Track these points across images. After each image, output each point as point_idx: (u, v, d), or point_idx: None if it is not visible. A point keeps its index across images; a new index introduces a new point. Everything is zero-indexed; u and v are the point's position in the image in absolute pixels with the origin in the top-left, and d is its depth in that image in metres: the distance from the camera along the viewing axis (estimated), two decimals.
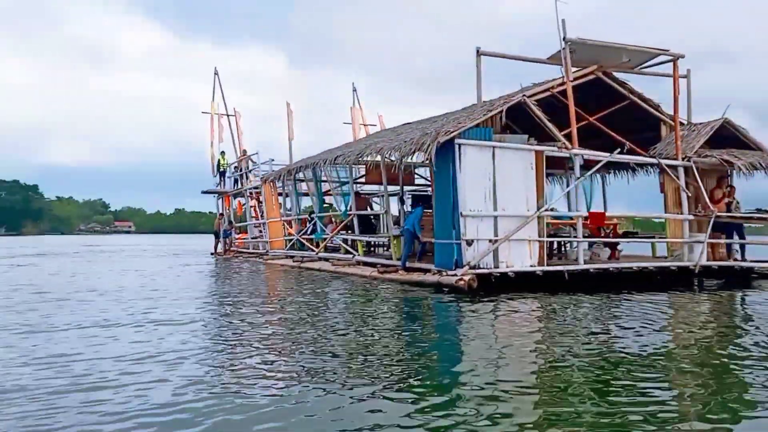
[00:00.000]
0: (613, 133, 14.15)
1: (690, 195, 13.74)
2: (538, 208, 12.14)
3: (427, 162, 12.34)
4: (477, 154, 11.76)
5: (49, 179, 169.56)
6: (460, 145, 11.60)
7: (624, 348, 6.34)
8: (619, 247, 15.64)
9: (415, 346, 6.34)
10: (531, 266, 12.10)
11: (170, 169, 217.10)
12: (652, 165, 14.59)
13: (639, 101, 14.41)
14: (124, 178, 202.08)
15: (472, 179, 11.70)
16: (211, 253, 28.11)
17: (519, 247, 12.05)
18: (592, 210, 14.82)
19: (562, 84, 13.32)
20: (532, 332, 7.50)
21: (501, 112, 11.92)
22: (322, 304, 10.15)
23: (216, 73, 33.00)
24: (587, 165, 14.06)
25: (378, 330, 7.38)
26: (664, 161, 13.61)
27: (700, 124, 14.64)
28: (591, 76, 13.79)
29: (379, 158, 14.34)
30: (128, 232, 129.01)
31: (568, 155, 12.74)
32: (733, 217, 13.82)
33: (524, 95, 12.21)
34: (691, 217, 13.69)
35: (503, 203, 11.94)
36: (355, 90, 32.24)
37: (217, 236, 28.12)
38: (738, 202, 14.56)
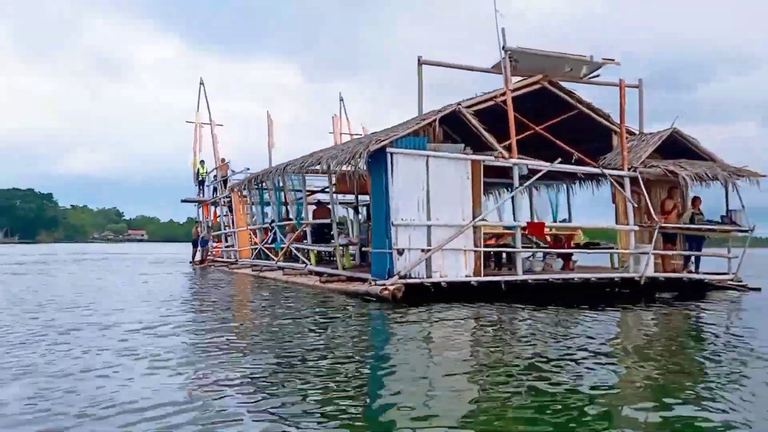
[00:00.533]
0: (561, 143, 14.04)
1: (636, 205, 13.56)
2: (474, 218, 12.03)
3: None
4: (410, 163, 11.69)
5: (64, 188, 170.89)
6: (392, 154, 11.54)
7: (528, 355, 6.35)
8: (574, 258, 15.47)
9: (318, 351, 6.41)
10: (466, 276, 11.98)
11: (184, 177, 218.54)
12: (600, 176, 14.41)
13: (588, 111, 14.29)
14: (138, 188, 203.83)
15: (404, 188, 11.62)
16: (190, 262, 28.16)
17: (453, 257, 11.94)
18: (541, 220, 14.69)
19: (504, 93, 13.26)
20: (451, 341, 7.50)
21: (434, 120, 11.84)
22: (244, 312, 10.12)
23: (201, 83, 33.20)
24: (551, 175, 13.98)
25: (286, 338, 7.33)
26: (610, 171, 13.46)
27: (650, 134, 14.50)
28: (536, 86, 13.71)
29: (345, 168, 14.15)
30: (141, 240, 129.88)
31: (508, 165, 12.62)
32: (678, 228, 13.63)
33: (460, 105, 12.14)
34: (636, 227, 13.52)
35: (437, 213, 11.84)
36: (341, 100, 32.38)
37: (195, 245, 28.19)
38: (701, 214, 14.36)
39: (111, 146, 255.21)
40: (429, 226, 11.76)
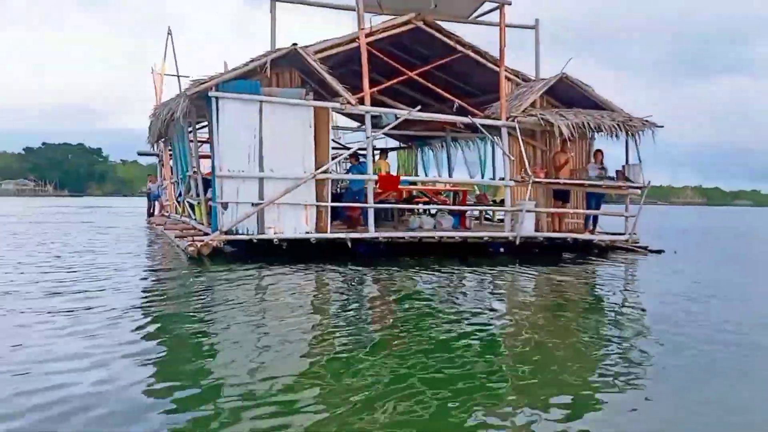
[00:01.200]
0: (441, 91, 12.85)
1: (512, 158, 12.36)
2: (318, 170, 11.05)
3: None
4: (240, 109, 10.70)
5: (115, 144, 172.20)
6: (217, 99, 10.57)
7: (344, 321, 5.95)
8: (468, 214, 14.38)
9: None
10: (306, 233, 11.08)
11: None
12: (489, 127, 13.15)
13: (474, 55, 12.97)
14: None
15: (232, 137, 10.67)
16: (146, 218, 27.82)
17: (292, 212, 11.03)
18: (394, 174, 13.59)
19: (373, 34, 12.08)
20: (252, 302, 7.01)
21: (266, 62, 10.75)
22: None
23: (169, 33, 32.28)
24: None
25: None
26: (482, 121, 12.24)
27: (543, 80, 13.12)
28: (408, 26, 12.44)
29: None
30: None
31: (360, 112, 11.55)
32: (560, 184, 12.40)
33: (296, 45, 10.96)
34: (512, 183, 12.34)
35: (272, 164, 10.89)
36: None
37: (148, 198, 27.75)
38: (604, 169, 13.07)
39: None
40: (261, 179, 10.84)
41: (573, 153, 13.06)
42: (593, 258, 12.23)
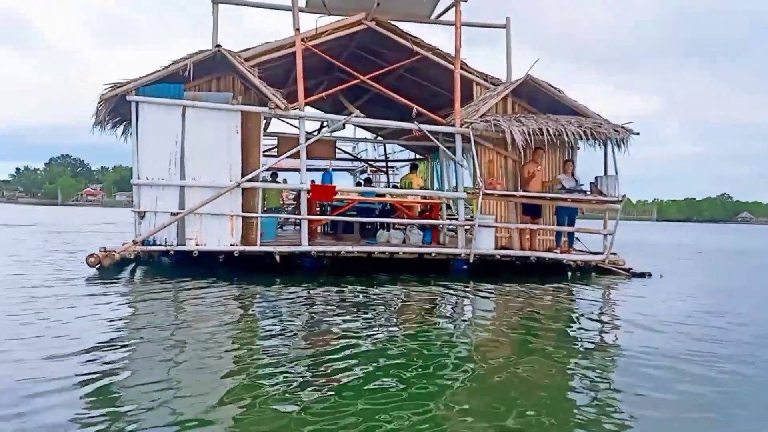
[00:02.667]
0: (398, 96, 11.94)
1: (463, 166, 11.26)
2: (245, 179, 10.39)
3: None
4: (161, 113, 10.20)
5: None
6: (137, 103, 10.13)
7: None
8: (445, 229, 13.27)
9: None
10: (231, 246, 10.41)
11: None
12: (446, 133, 12.07)
13: (432, 56, 11.98)
14: None
15: (153, 143, 10.17)
16: None
17: (217, 222, 10.39)
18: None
19: (316, 36, 11.38)
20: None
21: (188, 65, 10.19)
22: None
23: None
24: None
25: None
26: (431, 127, 11.20)
27: (510, 83, 11.93)
28: (359, 27, 11.63)
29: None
30: None
31: (294, 118, 10.82)
32: (520, 197, 11.13)
33: (219, 47, 10.37)
34: (463, 195, 11.21)
35: (195, 172, 10.32)
36: None
37: None
38: (576, 181, 11.73)
39: None
40: (182, 187, 10.27)
41: (540, 165, 11.69)
42: (566, 282, 10.82)
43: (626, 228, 28.04)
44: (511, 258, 11.34)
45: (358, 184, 17.77)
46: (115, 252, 9.93)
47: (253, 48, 11.28)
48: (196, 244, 10.31)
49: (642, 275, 11.60)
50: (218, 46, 10.31)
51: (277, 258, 10.50)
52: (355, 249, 10.88)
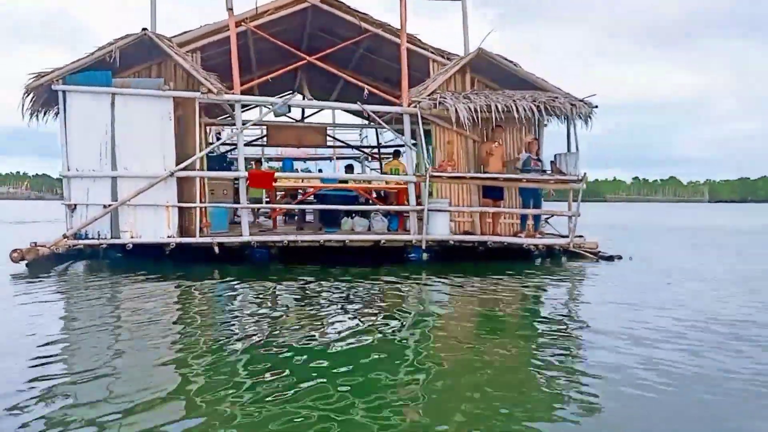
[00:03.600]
0: (348, 77, 11.38)
1: (414, 150, 10.61)
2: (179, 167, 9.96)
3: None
4: (89, 102, 9.82)
5: None
6: (64, 92, 9.76)
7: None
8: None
9: None
10: (168, 237, 10.00)
11: None
12: (396, 114, 11.42)
13: (384, 33, 11.34)
14: None
15: (81, 133, 9.81)
16: None
17: (152, 214, 9.99)
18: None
19: (259, 16, 10.87)
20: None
21: (114, 50, 9.75)
22: None
23: None
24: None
25: None
26: (375, 108, 10.60)
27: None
28: (302, 5, 11.05)
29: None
30: None
31: (226, 102, 10.32)
32: (470, 179, 10.46)
33: (146, 30, 9.92)
34: (413, 178, 10.59)
35: (127, 161, 9.92)
36: None
37: None
38: (539, 160, 11.02)
39: None
40: (114, 178, 9.89)
41: (499, 144, 10.99)
42: (531, 268, 10.10)
43: (676, 210, 26.85)
44: (471, 243, 10.71)
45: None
46: (44, 246, 9.60)
47: (191, 31, 10.83)
48: (131, 237, 9.93)
49: (610, 258, 10.84)
50: (144, 29, 9.86)
51: (216, 249, 10.07)
52: (299, 238, 10.38)
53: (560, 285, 8.67)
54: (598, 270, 9.84)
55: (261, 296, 7.46)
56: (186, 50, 10.84)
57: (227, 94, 10.16)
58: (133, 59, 10.23)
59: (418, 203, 10.85)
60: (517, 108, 9.89)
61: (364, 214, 12.09)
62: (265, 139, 17.20)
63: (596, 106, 10.37)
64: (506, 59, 10.72)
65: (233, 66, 10.19)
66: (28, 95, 9.77)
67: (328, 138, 16.93)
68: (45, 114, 10.37)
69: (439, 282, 8.61)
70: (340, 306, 6.75)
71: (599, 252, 11.03)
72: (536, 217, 11.21)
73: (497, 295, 7.58)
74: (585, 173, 10.22)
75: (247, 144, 20.34)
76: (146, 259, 9.85)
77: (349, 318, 6.10)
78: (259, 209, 13.37)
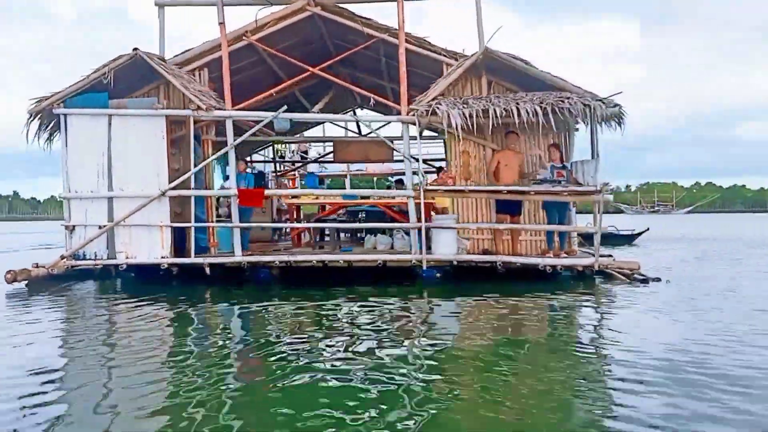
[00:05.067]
0: (351, 86, 10.77)
1: (411, 161, 9.73)
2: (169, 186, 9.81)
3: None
4: (88, 124, 9.92)
5: None
6: (64, 116, 9.94)
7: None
8: None
9: None
10: (162, 258, 9.87)
11: None
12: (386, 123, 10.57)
13: (390, 38, 10.59)
14: None
15: (81, 155, 9.93)
16: None
17: (146, 234, 9.91)
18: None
19: (261, 28, 10.58)
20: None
21: (106, 72, 9.75)
22: None
23: None
24: None
25: None
26: (374, 117, 9.85)
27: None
28: (304, 14, 10.59)
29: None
30: None
31: (219, 119, 10.02)
32: (470, 192, 9.39)
33: (137, 50, 9.83)
34: (410, 193, 9.70)
35: (123, 182, 9.92)
36: None
37: None
38: (564, 168, 9.80)
39: None
40: (110, 198, 9.91)
41: (514, 153, 9.86)
42: (555, 291, 8.81)
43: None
44: (480, 264, 9.66)
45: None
46: (42, 267, 9.76)
47: (193, 48, 10.72)
48: (126, 257, 9.89)
49: (645, 280, 9.31)
50: (135, 49, 9.82)
51: (207, 270, 9.78)
52: (292, 259, 9.86)
53: (580, 309, 7.51)
54: (633, 293, 8.39)
55: (251, 320, 7.08)
56: (190, 68, 10.78)
57: (218, 110, 9.86)
58: (138, 81, 10.26)
59: (428, 219, 9.97)
60: (517, 111, 8.74)
61: (386, 232, 11.38)
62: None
63: (616, 106, 8.97)
64: (517, 57, 9.60)
65: (225, 81, 9.93)
66: (32, 120, 10.03)
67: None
68: (50, 137, 10.58)
69: (448, 303, 7.84)
70: (333, 331, 6.20)
71: (633, 273, 9.52)
72: (562, 234, 9.92)
73: (500, 321, 6.68)
74: (606, 183, 8.84)
75: (314, 161, 20.38)
76: (156, 279, 9.80)
77: (337, 346, 5.54)
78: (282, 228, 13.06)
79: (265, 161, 19.77)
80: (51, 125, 10.38)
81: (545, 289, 8.65)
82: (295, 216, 12.83)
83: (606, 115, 9.11)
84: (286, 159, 22.60)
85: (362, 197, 11.96)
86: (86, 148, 9.91)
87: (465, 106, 9.05)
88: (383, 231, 11.48)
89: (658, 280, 9.35)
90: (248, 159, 18.29)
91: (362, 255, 9.97)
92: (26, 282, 9.59)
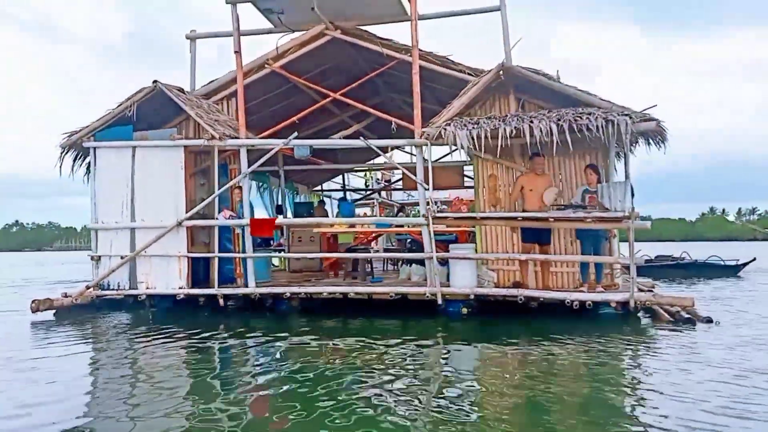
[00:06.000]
0: (370, 109, 10.37)
1: (423, 185, 9.08)
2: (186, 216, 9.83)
3: None
4: (114, 156, 10.20)
5: None
6: (94, 149, 10.28)
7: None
8: None
9: None
10: (180, 288, 9.86)
11: None
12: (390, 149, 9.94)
13: (410, 59, 10.09)
14: None
15: (108, 186, 10.19)
16: None
17: (165, 264, 9.96)
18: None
19: (282, 55, 10.50)
20: None
21: (131, 105, 9.99)
22: None
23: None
24: None
25: None
26: (383, 142, 9.35)
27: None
28: (323, 39, 10.36)
29: None
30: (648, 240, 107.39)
31: (232, 147, 9.93)
32: (478, 219, 8.56)
33: (157, 82, 9.95)
34: (422, 221, 9.02)
35: (144, 212, 10.06)
36: None
37: None
38: (595, 193, 8.81)
39: None
40: (132, 229, 10.07)
41: (540, 176, 8.94)
42: (597, 329, 7.74)
43: None
44: (498, 297, 8.82)
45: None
46: (68, 297, 10.03)
47: (218, 79, 10.80)
48: (147, 288, 9.97)
49: (690, 321, 8.02)
50: (155, 81, 9.99)
51: (221, 301, 9.66)
52: (302, 290, 9.51)
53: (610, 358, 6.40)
54: (680, 337, 7.20)
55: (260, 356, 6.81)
56: (218, 98, 10.85)
57: (232, 139, 9.78)
58: (171, 114, 10.40)
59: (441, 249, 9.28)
60: (530, 130, 7.91)
61: (421, 262, 10.77)
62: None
63: (655, 120, 7.87)
64: (538, 72, 8.77)
65: (239, 108, 9.87)
66: (65, 153, 10.44)
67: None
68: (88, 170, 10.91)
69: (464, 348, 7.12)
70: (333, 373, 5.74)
71: (678, 312, 8.25)
72: (598, 266, 8.84)
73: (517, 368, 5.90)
74: (634, 209, 7.75)
75: (382, 188, 20.14)
76: (187, 309, 9.85)
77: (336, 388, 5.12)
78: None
79: (332, 190, 19.76)
80: (86, 158, 10.75)
81: (579, 330, 7.61)
82: (329, 245, 12.47)
83: (636, 132, 8.04)
84: (361, 187, 22.57)
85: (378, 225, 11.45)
86: (112, 180, 10.16)
87: (475, 126, 8.32)
88: (420, 261, 10.86)
89: (710, 321, 8.02)
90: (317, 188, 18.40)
91: (375, 288, 9.41)
92: (54, 311, 9.89)
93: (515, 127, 8.06)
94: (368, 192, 20.85)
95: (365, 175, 28.92)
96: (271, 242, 13.19)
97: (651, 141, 8.53)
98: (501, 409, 4.51)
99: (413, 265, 10.84)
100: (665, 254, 20.06)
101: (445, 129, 8.50)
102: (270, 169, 14.13)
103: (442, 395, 4.95)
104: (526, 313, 8.85)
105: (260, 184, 14.84)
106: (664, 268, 18.07)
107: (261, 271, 10.66)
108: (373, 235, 12.27)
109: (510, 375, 5.64)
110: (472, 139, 8.18)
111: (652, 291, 8.51)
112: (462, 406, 4.62)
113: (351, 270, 11.46)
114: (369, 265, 11.45)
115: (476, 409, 4.56)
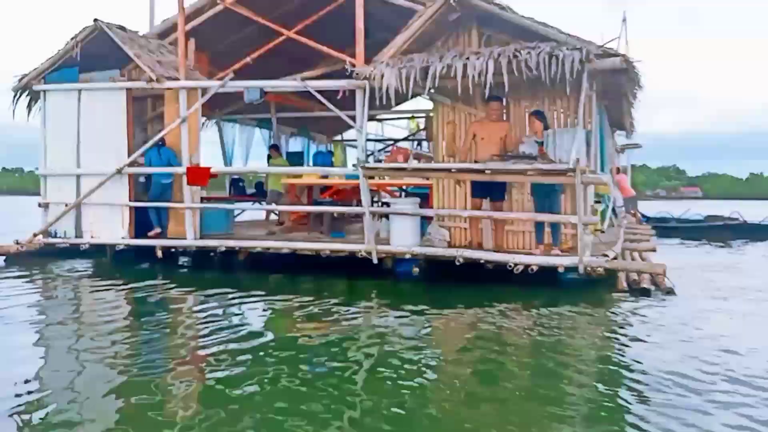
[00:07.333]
0: (319, 46, 9.40)
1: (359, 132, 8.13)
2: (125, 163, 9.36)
3: None
4: (62, 100, 9.79)
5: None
6: (44, 92, 9.90)
7: None
8: None
9: None
10: (122, 238, 9.48)
11: None
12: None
13: None
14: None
15: (56, 131, 9.83)
16: None
17: (108, 213, 9.56)
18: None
19: None
20: None
21: (76, 45, 9.46)
22: None
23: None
24: None
25: None
26: (321, 84, 8.41)
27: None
28: None
29: None
30: (695, 198, 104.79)
31: (169, 89, 9.25)
32: (397, 170, 7.55)
33: (98, 20, 9.31)
34: (354, 171, 8.10)
35: (88, 159, 9.65)
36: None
37: None
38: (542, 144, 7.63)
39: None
40: (78, 176, 9.71)
41: (495, 122, 7.79)
42: (538, 297, 6.82)
43: None
44: (444, 257, 7.88)
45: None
46: (9, 245, 9.81)
47: (169, 18, 10.12)
48: (92, 237, 9.63)
49: (645, 292, 6.85)
50: (95, 20, 9.41)
51: (159, 253, 9.18)
52: (237, 244, 8.91)
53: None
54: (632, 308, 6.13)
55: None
56: (171, 38, 10.21)
57: (170, 80, 9.12)
58: (119, 56, 9.84)
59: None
60: (465, 67, 6.78)
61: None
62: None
63: (617, 55, 6.57)
64: (491, 2, 7.54)
65: (179, 46, 9.18)
66: (18, 96, 10.10)
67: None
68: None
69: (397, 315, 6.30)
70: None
71: (634, 280, 7.07)
72: (554, 226, 7.71)
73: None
74: (579, 160, 6.56)
75: (404, 139, 19.18)
76: (133, 260, 9.57)
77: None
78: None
79: (353, 140, 18.85)
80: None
81: (531, 297, 6.67)
82: (298, 198, 11.71)
83: (598, 70, 6.77)
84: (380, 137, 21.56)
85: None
86: (60, 124, 9.77)
87: (407, 65, 7.26)
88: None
89: (670, 292, 6.83)
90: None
91: (314, 245, 8.66)
92: (4, 258, 9.74)
93: (447, 65, 6.94)
94: (388, 141, 19.87)
95: (409, 123, 27.73)
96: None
97: (623, 83, 7.20)
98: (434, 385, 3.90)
99: (382, 219, 10.01)
100: (715, 214, 18.33)
101: (375, 67, 7.48)
102: (284, 115, 13.52)
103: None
104: (487, 276, 7.85)
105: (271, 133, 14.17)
106: (715, 228, 16.55)
107: (219, 223, 10.11)
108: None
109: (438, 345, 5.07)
110: (404, 80, 7.11)
111: (607, 255, 7.26)
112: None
113: (314, 225, 10.75)
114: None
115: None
